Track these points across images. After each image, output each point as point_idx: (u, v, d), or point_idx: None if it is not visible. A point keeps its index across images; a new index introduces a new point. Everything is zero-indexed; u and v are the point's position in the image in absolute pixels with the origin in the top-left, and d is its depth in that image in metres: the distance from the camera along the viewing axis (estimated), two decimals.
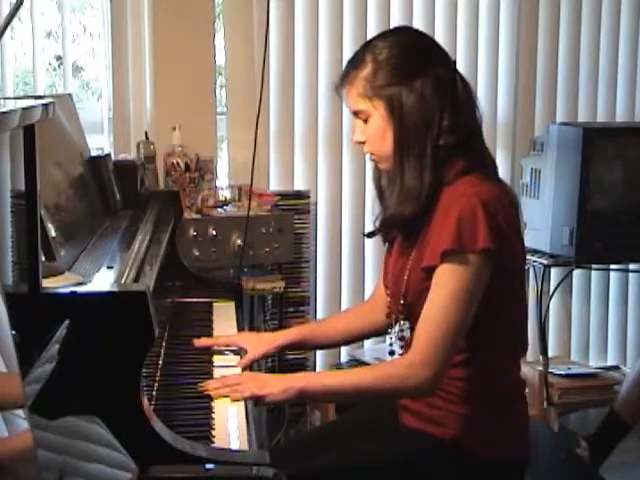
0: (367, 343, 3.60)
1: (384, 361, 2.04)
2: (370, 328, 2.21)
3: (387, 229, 2.04)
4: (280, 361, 3.43)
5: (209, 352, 2.12)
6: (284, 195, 3.50)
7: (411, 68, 1.90)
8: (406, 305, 1.96)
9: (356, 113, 1.97)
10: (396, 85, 1.89)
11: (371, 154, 1.99)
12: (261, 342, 2.17)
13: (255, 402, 1.86)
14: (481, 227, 1.80)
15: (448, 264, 1.81)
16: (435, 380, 1.81)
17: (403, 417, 2.00)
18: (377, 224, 2.04)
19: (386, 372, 1.88)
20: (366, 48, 1.96)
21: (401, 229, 1.99)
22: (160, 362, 1.98)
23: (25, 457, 0.99)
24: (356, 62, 1.95)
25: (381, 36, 1.99)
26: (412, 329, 1.97)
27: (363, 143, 1.98)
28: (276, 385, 1.86)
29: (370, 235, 2.10)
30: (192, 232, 3.12)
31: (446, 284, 1.81)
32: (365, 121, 1.95)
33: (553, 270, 3.91)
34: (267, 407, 1.96)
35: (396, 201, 1.92)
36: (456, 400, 1.92)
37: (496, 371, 1.95)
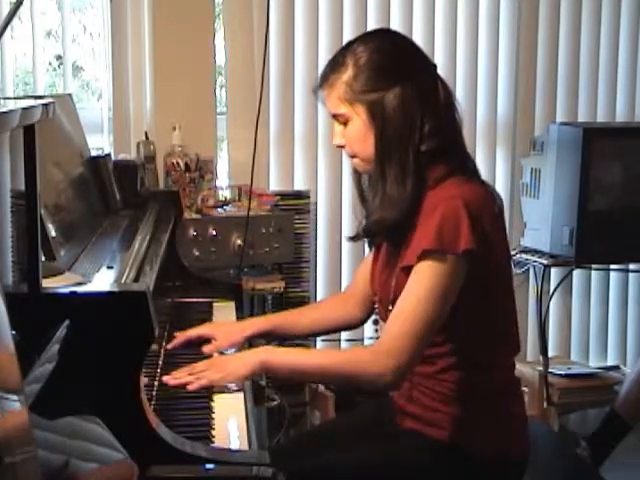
0: (367, 343, 3.60)
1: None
2: (343, 321, 2.21)
3: (371, 235, 2.04)
4: None
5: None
6: (284, 195, 3.50)
7: (392, 73, 1.89)
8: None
9: (335, 116, 1.95)
10: (378, 90, 1.88)
11: (352, 156, 1.98)
12: (231, 331, 2.16)
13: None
14: (463, 229, 1.79)
15: (426, 261, 1.81)
16: (398, 371, 1.79)
17: (401, 420, 2.00)
18: (360, 230, 2.03)
19: (351, 357, 1.90)
20: (346, 51, 1.93)
21: (385, 235, 1.99)
22: (160, 362, 1.98)
23: (22, 438, 0.99)
24: (336, 65, 1.93)
25: (361, 39, 1.96)
26: None
27: (342, 147, 1.98)
28: (237, 362, 1.88)
29: (353, 239, 2.10)
30: (192, 232, 3.12)
31: (422, 280, 1.81)
32: (344, 124, 1.94)
33: (553, 270, 3.91)
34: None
35: (379, 208, 1.91)
36: (451, 402, 1.92)
37: (490, 371, 1.95)
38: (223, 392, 1.88)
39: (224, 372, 1.86)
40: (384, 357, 1.79)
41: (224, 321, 2.33)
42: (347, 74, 1.90)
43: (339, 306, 2.22)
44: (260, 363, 1.86)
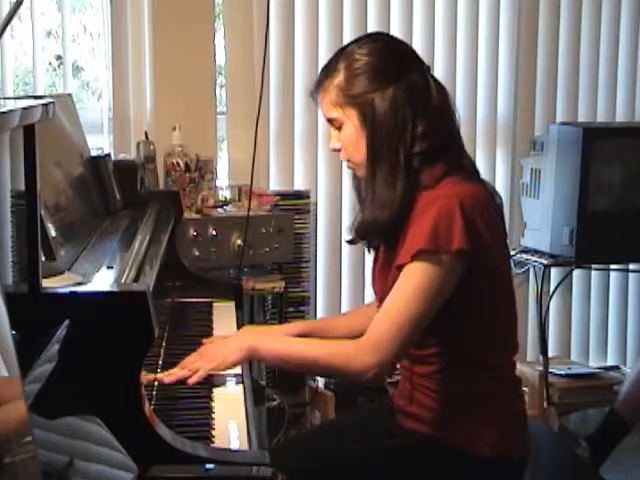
0: None
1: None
2: None
3: (363, 236, 2.04)
4: None
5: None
6: (284, 195, 3.51)
7: (384, 76, 1.89)
8: None
9: (330, 121, 1.96)
10: (369, 93, 1.89)
11: (348, 161, 1.98)
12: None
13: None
14: (457, 228, 1.79)
15: (419, 261, 1.81)
16: (380, 367, 1.81)
17: (401, 420, 2.01)
18: (352, 230, 2.03)
19: (336, 350, 1.90)
20: (340, 55, 1.95)
21: (379, 236, 1.99)
22: (160, 362, 1.98)
23: (22, 438, 0.99)
24: (329, 70, 1.94)
25: (355, 43, 1.97)
26: None
27: (339, 150, 1.98)
28: (228, 349, 1.91)
29: (351, 242, 2.10)
30: (192, 232, 3.12)
31: (413, 277, 1.82)
32: (339, 128, 1.95)
33: (553, 270, 3.91)
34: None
35: (369, 209, 1.93)
36: (451, 402, 1.93)
37: (489, 371, 1.95)
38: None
39: (217, 361, 1.89)
40: (368, 354, 1.81)
41: (260, 327, 2.32)
42: (339, 78, 1.91)
43: (369, 313, 2.19)
44: (249, 349, 1.89)
